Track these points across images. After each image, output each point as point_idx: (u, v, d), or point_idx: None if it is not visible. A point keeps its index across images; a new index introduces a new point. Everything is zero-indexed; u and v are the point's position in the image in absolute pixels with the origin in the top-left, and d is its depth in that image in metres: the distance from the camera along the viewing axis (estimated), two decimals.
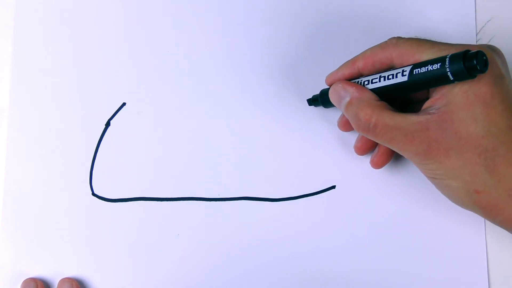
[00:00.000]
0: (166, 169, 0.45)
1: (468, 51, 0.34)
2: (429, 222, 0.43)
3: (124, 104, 0.46)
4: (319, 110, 0.45)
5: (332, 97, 0.41)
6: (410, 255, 0.43)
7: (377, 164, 0.43)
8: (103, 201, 0.44)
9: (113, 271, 0.44)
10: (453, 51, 0.35)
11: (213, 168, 0.45)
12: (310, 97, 0.44)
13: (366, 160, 0.44)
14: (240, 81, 0.46)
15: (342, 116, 0.43)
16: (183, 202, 0.44)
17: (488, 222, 0.43)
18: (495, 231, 0.43)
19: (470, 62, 0.33)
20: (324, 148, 0.45)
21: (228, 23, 0.46)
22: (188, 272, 0.43)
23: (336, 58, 0.43)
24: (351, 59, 0.41)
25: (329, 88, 0.42)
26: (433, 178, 0.38)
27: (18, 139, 0.45)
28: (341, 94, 0.40)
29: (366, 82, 0.39)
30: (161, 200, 0.44)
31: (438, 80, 0.35)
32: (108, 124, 0.45)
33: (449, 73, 0.34)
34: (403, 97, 0.41)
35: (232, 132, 0.45)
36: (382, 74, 0.38)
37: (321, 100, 0.43)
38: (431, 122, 0.36)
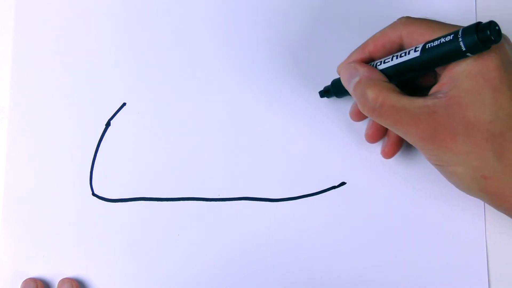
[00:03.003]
0: (166, 169, 0.45)
1: (480, 22, 0.33)
2: (430, 223, 0.43)
3: (124, 104, 0.46)
4: (319, 108, 0.45)
5: (343, 76, 0.40)
6: (410, 255, 0.43)
7: (387, 154, 0.42)
8: (103, 201, 0.44)
9: (113, 271, 0.44)
10: None
11: (213, 168, 0.45)
12: (322, 89, 0.44)
13: (368, 158, 0.44)
14: (240, 80, 0.46)
15: (354, 105, 0.42)
16: (183, 202, 0.44)
17: (488, 222, 0.43)
18: (496, 231, 0.43)
19: (484, 33, 0.32)
20: (324, 148, 0.45)
21: (228, 20, 0.46)
22: (189, 272, 0.43)
23: (340, 51, 0.43)
24: (362, 44, 0.40)
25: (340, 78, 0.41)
26: (438, 165, 0.37)
27: (18, 139, 0.45)
28: (352, 73, 0.39)
29: (378, 63, 0.39)
30: (161, 200, 0.44)
31: (452, 54, 0.34)
32: (108, 124, 0.45)
33: (462, 45, 0.33)
34: (413, 79, 0.40)
35: (232, 131, 0.45)
36: (395, 54, 0.38)
37: (333, 90, 0.43)
38: (438, 106, 0.35)
